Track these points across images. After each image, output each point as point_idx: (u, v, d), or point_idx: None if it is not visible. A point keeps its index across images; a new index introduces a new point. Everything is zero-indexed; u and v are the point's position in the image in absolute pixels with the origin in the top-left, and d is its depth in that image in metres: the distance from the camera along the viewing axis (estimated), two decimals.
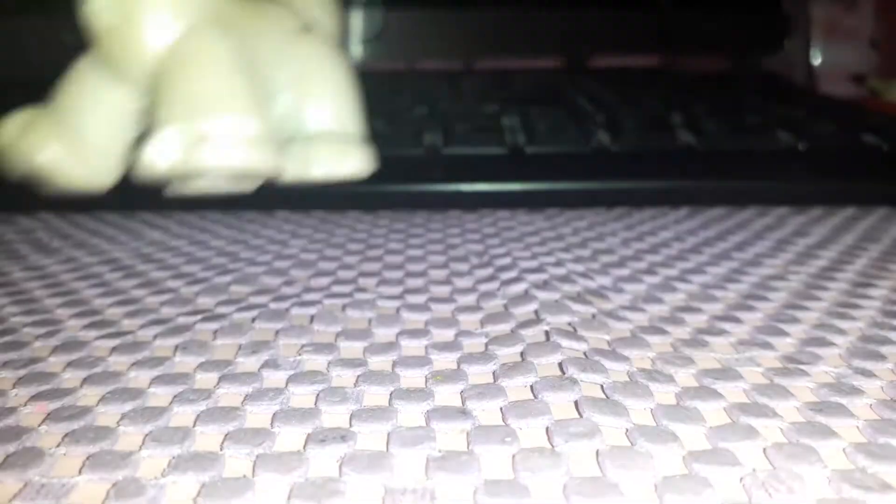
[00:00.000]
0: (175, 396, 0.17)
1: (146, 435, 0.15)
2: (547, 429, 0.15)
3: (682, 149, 0.36)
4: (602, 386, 0.17)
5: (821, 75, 0.54)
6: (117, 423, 0.16)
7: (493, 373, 0.18)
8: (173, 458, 0.15)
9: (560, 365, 0.18)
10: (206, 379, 0.18)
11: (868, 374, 0.18)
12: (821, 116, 0.40)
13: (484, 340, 0.20)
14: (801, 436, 0.15)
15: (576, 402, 0.16)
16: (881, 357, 0.19)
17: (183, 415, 0.16)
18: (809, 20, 0.55)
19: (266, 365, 0.19)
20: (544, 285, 0.24)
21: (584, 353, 0.19)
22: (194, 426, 0.16)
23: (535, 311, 0.22)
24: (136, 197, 0.34)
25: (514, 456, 0.14)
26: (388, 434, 0.15)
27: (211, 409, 0.16)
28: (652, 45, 0.57)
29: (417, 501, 0.13)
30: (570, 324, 0.21)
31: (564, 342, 0.19)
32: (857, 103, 0.49)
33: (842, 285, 0.24)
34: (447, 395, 0.17)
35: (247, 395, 0.17)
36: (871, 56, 0.55)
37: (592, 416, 0.16)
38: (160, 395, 0.17)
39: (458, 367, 0.19)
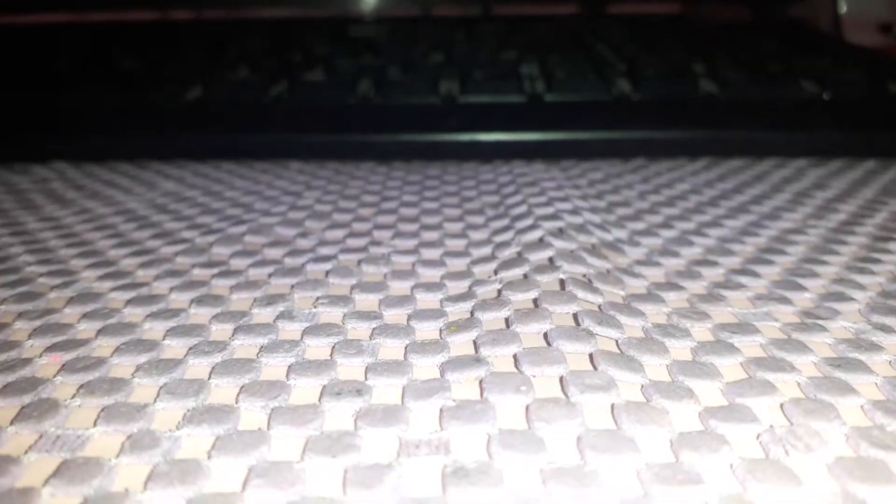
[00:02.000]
0: (190, 349, 0.17)
1: (161, 387, 0.15)
2: (562, 378, 0.15)
3: (703, 98, 0.35)
4: (617, 341, 0.17)
5: (847, 24, 0.53)
6: (132, 374, 0.16)
7: (507, 319, 0.18)
8: (188, 410, 0.15)
9: (575, 316, 0.18)
10: (221, 331, 0.18)
11: (888, 329, 0.18)
12: (846, 66, 0.39)
13: (497, 287, 0.20)
14: (819, 391, 0.15)
15: (591, 355, 0.16)
16: None
17: (198, 367, 0.16)
18: None
19: (281, 317, 0.19)
20: (560, 233, 0.24)
21: (599, 307, 0.19)
22: (209, 379, 0.16)
23: (550, 259, 0.22)
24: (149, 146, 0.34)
25: (528, 406, 0.14)
26: (404, 387, 0.15)
27: (226, 361, 0.16)
28: None
29: (432, 453, 0.13)
30: (585, 275, 0.21)
31: (580, 293, 0.19)
32: (884, 52, 0.48)
33: (861, 240, 0.24)
34: (461, 343, 0.17)
35: (262, 347, 0.17)
36: None
37: (608, 370, 0.16)
38: (175, 348, 0.17)
39: (472, 314, 0.18)
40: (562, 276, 0.20)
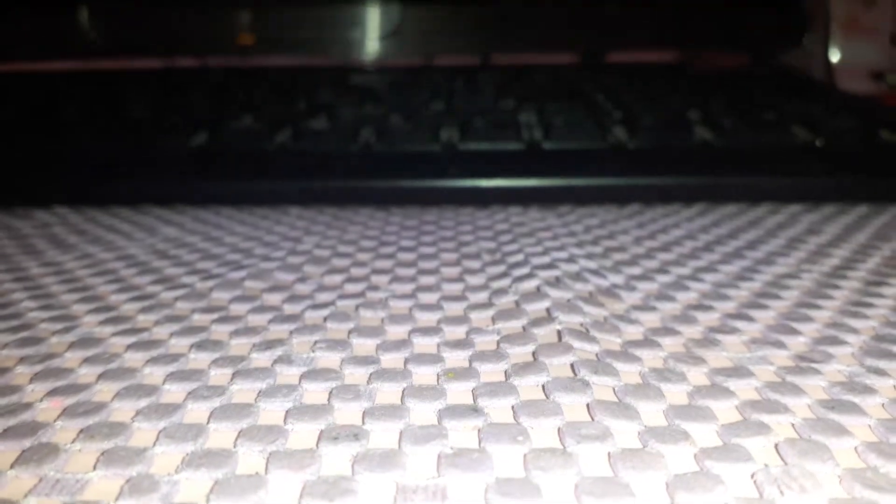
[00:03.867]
0: (189, 393, 0.17)
1: (160, 431, 0.16)
2: (559, 429, 0.15)
3: (698, 145, 0.36)
4: (614, 389, 0.17)
5: (839, 72, 0.54)
6: (132, 419, 0.16)
7: (506, 371, 0.18)
8: (187, 454, 0.15)
9: (572, 366, 0.18)
10: (220, 375, 0.18)
11: (881, 373, 0.18)
12: (838, 113, 0.39)
13: (496, 338, 0.20)
14: (813, 433, 0.15)
15: (588, 406, 0.16)
16: (894, 356, 0.19)
17: (197, 411, 0.17)
18: (828, 16, 0.54)
19: (279, 361, 0.19)
20: (556, 282, 0.24)
21: (597, 355, 0.19)
22: (208, 423, 0.16)
23: (548, 310, 0.22)
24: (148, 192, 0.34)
25: (525, 455, 0.15)
26: (401, 432, 0.15)
27: (225, 405, 0.17)
28: (669, 41, 0.57)
29: (429, 499, 0.13)
30: (582, 324, 0.21)
31: (577, 343, 0.19)
32: (876, 100, 0.49)
33: (855, 284, 0.24)
34: (459, 391, 0.17)
35: (260, 392, 0.17)
36: (891, 52, 0.55)
37: (604, 420, 0.16)
38: (174, 392, 0.17)
39: (470, 365, 0.19)
40: (558, 327, 0.20)
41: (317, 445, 0.15)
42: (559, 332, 0.20)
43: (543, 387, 0.17)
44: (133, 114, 0.41)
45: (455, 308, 0.22)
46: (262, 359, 0.19)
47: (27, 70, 0.52)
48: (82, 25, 0.52)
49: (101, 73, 0.52)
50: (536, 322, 0.21)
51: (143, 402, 0.17)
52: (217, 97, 0.44)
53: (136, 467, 0.14)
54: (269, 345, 0.20)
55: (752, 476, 0.14)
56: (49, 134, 0.37)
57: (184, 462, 0.14)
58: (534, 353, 0.19)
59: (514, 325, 0.21)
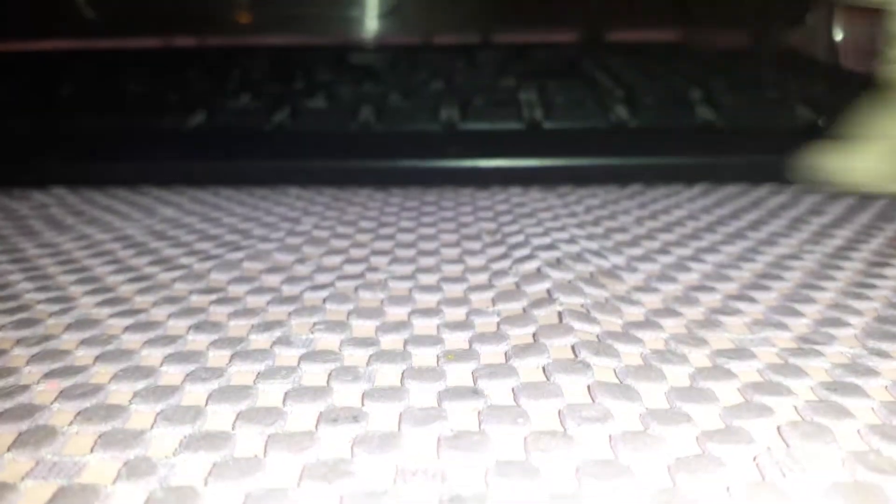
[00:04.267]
0: (187, 375, 0.17)
1: (158, 413, 0.15)
2: (559, 412, 0.15)
3: (700, 124, 0.36)
4: (615, 370, 0.17)
5: (843, 50, 0.54)
6: (129, 401, 0.16)
7: (506, 353, 0.18)
8: (185, 436, 0.15)
9: (573, 348, 0.18)
10: (218, 357, 0.18)
11: (884, 354, 0.18)
12: (842, 92, 0.39)
13: (496, 320, 0.20)
14: (815, 415, 0.15)
15: (588, 387, 0.16)
16: None
17: (195, 393, 0.16)
18: None
19: (278, 342, 0.19)
20: (557, 263, 0.24)
21: (598, 336, 0.19)
22: (206, 405, 0.16)
23: (548, 291, 0.22)
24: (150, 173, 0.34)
25: (525, 437, 0.14)
26: (400, 414, 0.15)
27: (223, 387, 0.17)
28: (671, 19, 0.56)
29: (428, 481, 0.13)
30: (583, 305, 0.21)
31: (577, 324, 0.19)
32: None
33: (857, 265, 0.24)
34: (459, 373, 0.17)
35: (259, 373, 0.17)
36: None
37: (605, 401, 0.16)
38: (173, 374, 0.17)
39: (470, 346, 0.19)
40: (559, 308, 0.20)
41: (316, 427, 0.15)
42: (560, 314, 0.20)
43: (544, 368, 0.17)
44: (129, 93, 0.41)
45: (455, 289, 0.22)
46: (260, 340, 0.19)
47: (24, 49, 0.51)
48: (78, 3, 0.51)
49: (97, 52, 0.52)
50: (537, 303, 0.21)
51: (140, 384, 0.17)
52: (215, 76, 0.44)
53: (133, 450, 0.14)
54: (267, 326, 0.20)
55: (754, 459, 0.14)
56: (46, 114, 0.37)
57: (182, 444, 0.14)
58: (534, 335, 0.19)
59: (515, 306, 0.21)
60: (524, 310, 0.21)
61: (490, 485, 0.13)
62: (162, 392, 0.16)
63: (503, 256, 0.25)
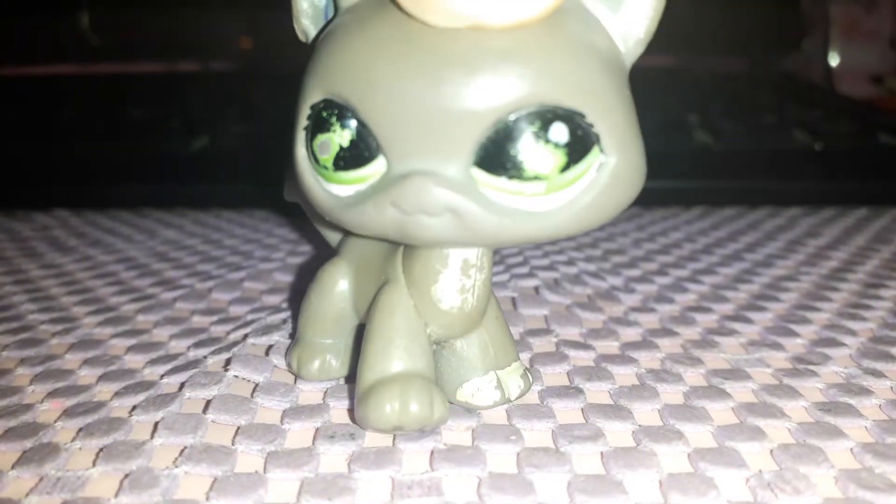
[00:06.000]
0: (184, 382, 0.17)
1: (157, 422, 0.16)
2: (552, 431, 0.16)
3: (697, 148, 0.36)
4: (609, 392, 0.17)
5: (839, 75, 0.54)
6: (129, 413, 0.16)
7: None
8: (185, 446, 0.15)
9: (567, 375, 0.18)
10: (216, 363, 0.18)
11: (878, 374, 0.18)
12: (838, 117, 0.39)
13: None
14: (808, 436, 0.15)
15: (582, 410, 0.17)
16: (891, 358, 0.19)
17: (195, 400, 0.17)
18: (828, 20, 0.54)
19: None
20: (556, 284, 0.24)
21: (593, 360, 0.19)
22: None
23: (545, 318, 0.22)
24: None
25: (518, 453, 0.15)
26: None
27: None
28: (668, 45, 0.57)
29: (424, 494, 0.13)
30: (580, 333, 0.21)
31: (572, 353, 0.19)
32: (875, 103, 0.49)
33: (853, 286, 0.24)
34: None
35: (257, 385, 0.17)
36: (890, 56, 0.55)
37: (597, 422, 0.16)
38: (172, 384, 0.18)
39: None
40: (554, 339, 0.20)
41: (313, 443, 0.15)
42: (556, 344, 0.20)
43: (538, 394, 0.17)
44: (133, 117, 0.41)
45: None
46: (258, 344, 0.19)
47: (28, 73, 0.52)
48: (82, 29, 0.52)
49: (100, 76, 0.52)
50: (533, 333, 0.21)
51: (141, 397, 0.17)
52: (218, 100, 0.44)
53: (135, 461, 0.14)
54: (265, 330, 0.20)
55: (746, 481, 0.14)
56: (49, 137, 0.37)
57: (183, 455, 0.14)
58: (530, 360, 0.19)
59: (513, 331, 0.21)
60: (521, 336, 0.21)
61: (484, 497, 0.13)
62: (161, 401, 0.16)
63: (502, 274, 0.25)
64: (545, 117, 0.13)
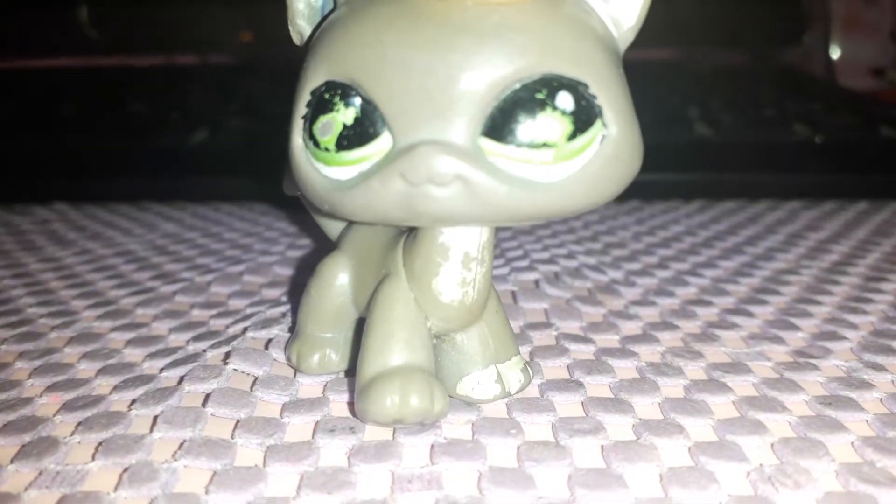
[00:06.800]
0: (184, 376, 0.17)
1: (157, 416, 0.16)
2: (552, 425, 0.16)
3: (698, 141, 0.36)
4: (609, 385, 0.17)
5: (840, 68, 0.54)
6: (129, 407, 0.16)
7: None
8: (185, 440, 0.15)
9: (568, 368, 0.18)
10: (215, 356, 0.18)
11: (879, 368, 0.18)
12: (839, 110, 0.39)
13: None
14: (809, 430, 0.15)
15: (582, 403, 0.17)
16: (892, 351, 0.19)
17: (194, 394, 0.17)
18: (829, 13, 0.54)
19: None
20: (556, 278, 0.24)
21: (593, 354, 0.19)
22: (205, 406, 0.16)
23: (545, 311, 0.22)
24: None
25: (518, 447, 0.15)
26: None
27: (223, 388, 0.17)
28: (669, 38, 0.57)
29: (424, 488, 0.13)
30: (580, 327, 0.21)
31: (573, 346, 0.19)
32: (877, 96, 0.49)
33: (853, 280, 0.24)
34: None
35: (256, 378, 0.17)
36: (891, 49, 0.55)
37: (598, 415, 0.16)
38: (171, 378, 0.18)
39: None
40: (554, 332, 0.20)
41: (313, 437, 0.15)
42: (556, 337, 0.20)
43: (539, 387, 0.17)
44: (133, 110, 0.41)
45: None
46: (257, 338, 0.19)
47: (28, 67, 0.52)
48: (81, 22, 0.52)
49: (99, 70, 0.52)
50: (534, 326, 0.21)
51: (140, 391, 0.17)
52: (217, 94, 0.44)
53: (134, 455, 0.14)
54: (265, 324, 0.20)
55: (747, 475, 0.14)
56: (48, 131, 0.37)
57: (182, 448, 0.14)
58: (531, 354, 0.19)
59: (513, 325, 0.21)
60: (521, 330, 0.21)
61: (484, 491, 0.13)
62: (161, 395, 0.16)
63: (501, 266, 0.25)
64: (551, 85, 0.13)
